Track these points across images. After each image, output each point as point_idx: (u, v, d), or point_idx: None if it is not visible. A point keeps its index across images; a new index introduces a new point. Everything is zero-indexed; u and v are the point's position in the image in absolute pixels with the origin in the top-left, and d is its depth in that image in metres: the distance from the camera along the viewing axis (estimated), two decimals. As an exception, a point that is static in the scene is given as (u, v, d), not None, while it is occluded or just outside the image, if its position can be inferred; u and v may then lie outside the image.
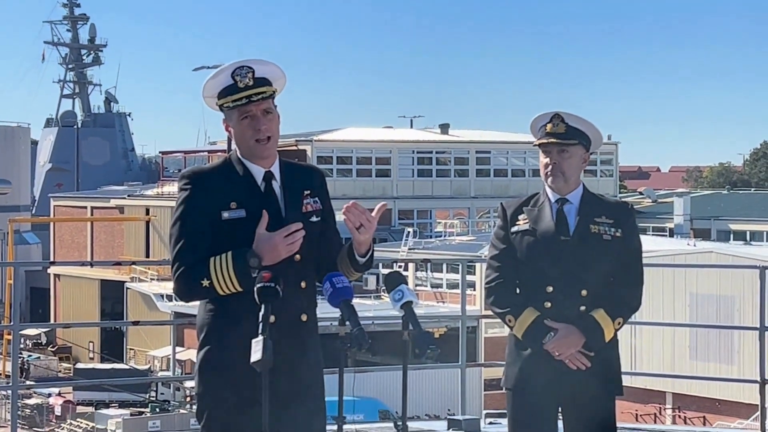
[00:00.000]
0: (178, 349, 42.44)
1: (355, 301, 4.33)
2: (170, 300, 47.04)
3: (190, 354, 43.27)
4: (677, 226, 60.74)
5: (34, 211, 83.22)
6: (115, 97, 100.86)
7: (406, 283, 4.44)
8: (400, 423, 4.43)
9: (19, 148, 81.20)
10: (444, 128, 68.47)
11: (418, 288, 47.31)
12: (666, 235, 58.25)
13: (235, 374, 4.31)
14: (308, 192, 4.52)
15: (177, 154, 71.02)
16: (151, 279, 56.06)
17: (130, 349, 57.42)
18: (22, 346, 53.33)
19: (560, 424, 5.36)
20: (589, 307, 5.24)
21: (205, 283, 4.33)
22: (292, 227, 4.34)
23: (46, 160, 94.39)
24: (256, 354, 4.00)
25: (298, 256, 4.39)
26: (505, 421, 5.68)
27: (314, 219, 4.50)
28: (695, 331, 35.85)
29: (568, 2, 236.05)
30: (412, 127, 73.06)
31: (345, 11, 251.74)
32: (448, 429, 8.87)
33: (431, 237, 56.63)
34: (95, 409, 45.58)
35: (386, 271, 5.26)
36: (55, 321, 64.02)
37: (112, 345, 58.03)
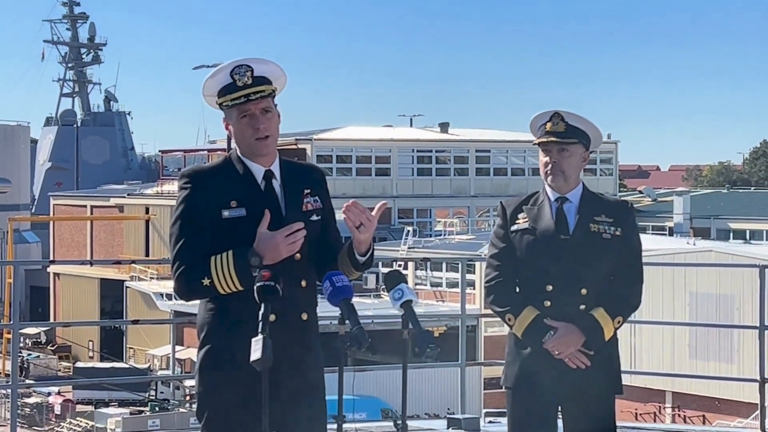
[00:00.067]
0: (177, 348, 42.40)
1: (355, 299, 4.33)
2: (170, 299, 47.01)
3: (190, 353, 43.29)
4: (677, 225, 60.78)
5: (33, 210, 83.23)
6: (114, 95, 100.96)
7: (406, 282, 4.44)
8: (399, 422, 4.43)
9: (19, 147, 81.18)
10: (444, 127, 68.48)
11: (417, 287, 47.30)
12: (666, 234, 58.28)
13: (235, 373, 4.31)
14: (308, 191, 4.52)
15: (177, 153, 71.00)
16: (151, 278, 56.06)
17: (130, 347, 57.42)
18: (21, 345, 53.30)
19: (560, 423, 5.37)
20: (588, 306, 5.24)
21: (206, 282, 4.32)
22: (293, 226, 4.34)
23: (46, 158, 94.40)
24: (255, 353, 4.00)
25: (298, 255, 4.39)
26: (504, 420, 5.68)
27: (314, 218, 4.50)
28: (695, 330, 35.84)
29: (567, 1, 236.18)
30: (411, 125, 73.09)
31: (345, 10, 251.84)
32: (448, 428, 8.87)
33: (431, 236, 56.62)
34: (95, 408, 45.57)
35: (386, 269, 5.27)
36: (54, 320, 64.05)
37: (112, 344, 58.01)
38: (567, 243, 5.26)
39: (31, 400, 46.69)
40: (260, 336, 4.01)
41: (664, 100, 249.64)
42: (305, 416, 4.41)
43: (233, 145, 4.56)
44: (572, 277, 5.23)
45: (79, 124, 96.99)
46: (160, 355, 52.85)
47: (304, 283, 4.44)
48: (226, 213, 4.39)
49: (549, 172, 5.35)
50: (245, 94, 4.43)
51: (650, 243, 36.48)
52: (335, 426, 4.36)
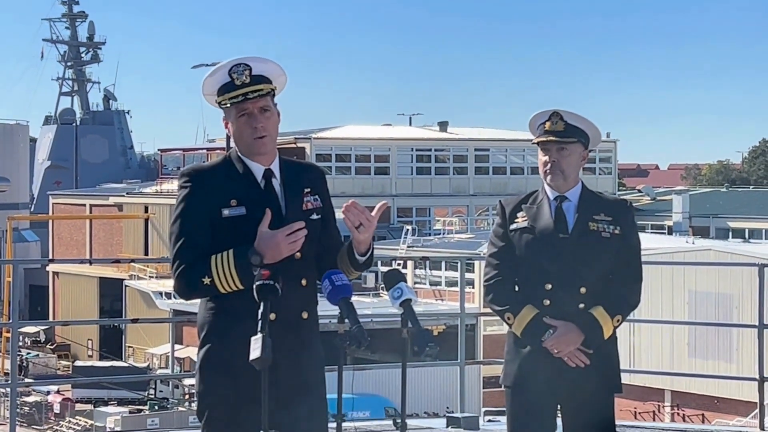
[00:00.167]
0: (176, 346, 42.42)
1: (354, 298, 4.33)
2: (169, 298, 47.00)
3: (189, 352, 43.33)
4: (676, 224, 60.76)
5: (32, 209, 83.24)
6: (113, 94, 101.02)
7: (405, 281, 4.44)
8: (399, 420, 4.43)
9: (18, 146, 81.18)
10: (443, 126, 68.45)
11: (416, 286, 47.30)
12: (665, 233, 58.27)
13: (236, 372, 4.31)
14: (308, 190, 4.52)
15: (176, 152, 70.97)
16: (150, 277, 56.02)
17: (129, 346, 57.40)
18: (20, 343, 53.28)
19: (559, 421, 5.37)
20: (588, 305, 5.25)
21: (206, 280, 4.32)
22: (294, 226, 4.34)
23: (45, 157, 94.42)
24: (255, 351, 4.00)
25: (298, 254, 4.39)
26: (504, 419, 5.68)
27: (314, 217, 4.50)
28: (694, 328, 35.86)
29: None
30: (410, 124, 73.07)
31: (344, 9, 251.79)
32: (447, 426, 8.87)
33: (430, 235, 56.61)
34: (94, 407, 45.58)
35: (385, 268, 5.27)
36: (53, 319, 64.02)
37: (111, 343, 58.00)
38: (566, 242, 5.26)
39: (30, 399, 46.72)
40: (259, 335, 4.02)
41: (663, 98, 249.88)
42: (305, 415, 4.41)
43: (232, 144, 4.56)
44: (571, 276, 5.24)
45: (78, 123, 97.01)
46: (160, 353, 52.84)
47: (304, 282, 4.45)
48: (226, 212, 4.39)
49: (548, 171, 5.35)
50: (243, 92, 4.43)
51: (649, 242, 36.45)
52: (335, 424, 4.36)
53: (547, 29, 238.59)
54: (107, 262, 62.46)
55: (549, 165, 5.35)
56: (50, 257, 63.36)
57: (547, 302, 5.25)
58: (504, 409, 5.50)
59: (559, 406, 5.34)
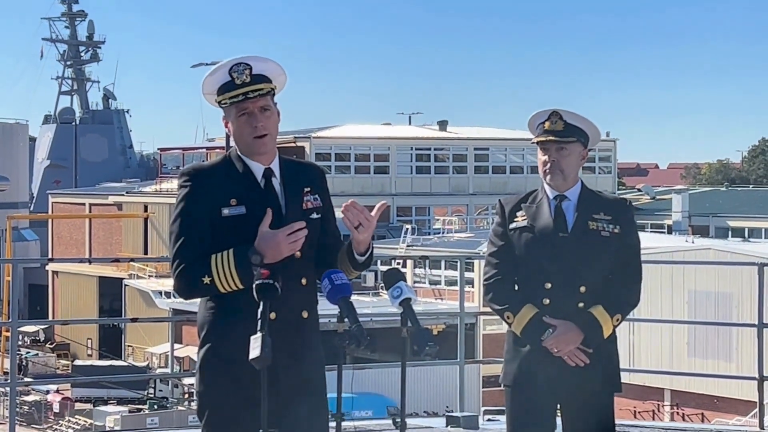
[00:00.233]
0: (176, 346, 42.39)
1: (354, 297, 4.33)
2: (168, 297, 47.01)
3: (189, 351, 43.31)
4: (675, 223, 60.75)
5: (32, 208, 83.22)
6: (113, 93, 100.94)
7: (405, 280, 4.44)
8: (398, 419, 4.43)
9: (18, 145, 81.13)
10: (442, 125, 68.44)
11: (416, 285, 47.31)
12: (664, 232, 58.29)
13: (236, 372, 4.30)
14: (308, 189, 4.52)
15: (175, 151, 71.01)
16: (150, 276, 56.02)
17: (129, 345, 57.41)
18: (20, 343, 53.28)
19: (559, 421, 5.37)
20: (587, 304, 5.25)
21: (206, 280, 4.32)
22: (295, 225, 4.34)
23: (45, 156, 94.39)
24: (254, 351, 4.00)
25: (298, 253, 4.39)
26: (503, 418, 5.69)
27: (314, 216, 4.50)
28: (693, 328, 35.86)
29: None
30: (410, 123, 73.08)
31: (343, 8, 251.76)
32: (447, 426, 8.87)
33: (429, 234, 56.60)
34: (93, 406, 45.57)
35: (385, 268, 5.27)
36: (53, 318, 64.04)
37: (111, 342, 58.01)
38: (565, 241, 5.26)
39: (29, 398, 46.71)
40: (259, 334, 4.02)
41: (663, 98, 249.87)
42: (305, 414, 4.40)
43: (232, 143, 4.56)
44: (571, 275, 5.24)
45: (77, 122, 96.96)
46: (159, 353, 52.84)
47: (304, 281, 4.45)
48: (225, 211, 4.39)
49: (547, 170, 5.35)
50: (243, 92, 4.43)
51: (649, 241, 36.47)
52: (335, 423, 4.36)
53: (547, 29, 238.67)
54: (107, 262, 62.54)
55: (548, 164, 5.35)
56: (50, 256, 63.34)
57: (547, 301, 5.25)
58: (503, 408, 5.50)
59: (558, 406, 5.34)
